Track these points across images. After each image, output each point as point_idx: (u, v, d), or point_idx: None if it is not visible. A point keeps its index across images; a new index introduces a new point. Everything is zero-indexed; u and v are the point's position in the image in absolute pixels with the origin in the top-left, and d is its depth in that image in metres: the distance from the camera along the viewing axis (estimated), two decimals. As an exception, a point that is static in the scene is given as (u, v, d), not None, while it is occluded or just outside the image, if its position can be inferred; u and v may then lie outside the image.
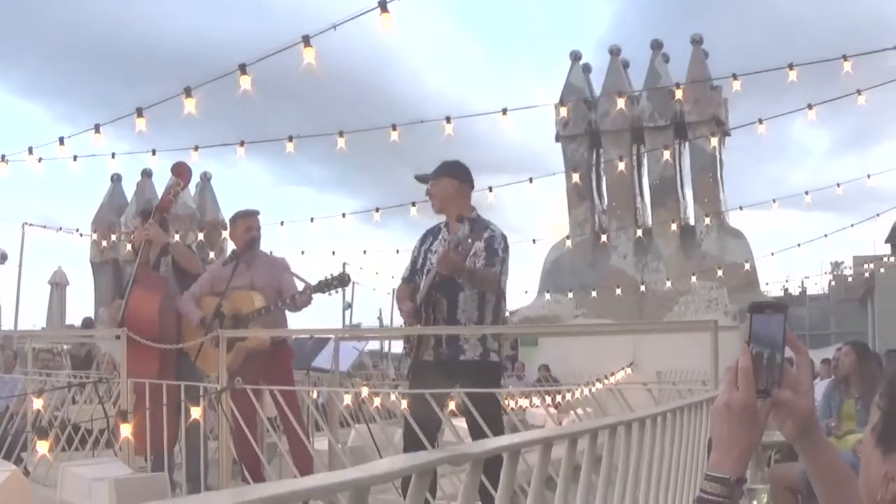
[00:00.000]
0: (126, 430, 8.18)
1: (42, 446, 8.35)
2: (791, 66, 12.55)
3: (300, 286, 9.06)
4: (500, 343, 7.90)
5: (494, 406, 7.79)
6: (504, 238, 7.96)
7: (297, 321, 9.80)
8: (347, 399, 9.74)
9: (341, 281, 9.01)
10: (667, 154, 25.33)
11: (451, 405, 8.34)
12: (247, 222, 9.32)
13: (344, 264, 28.02)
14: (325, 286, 8.99)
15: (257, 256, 9.33)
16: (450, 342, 7.66)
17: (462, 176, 8.03)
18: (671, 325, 14.71)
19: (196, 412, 8.15)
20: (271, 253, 10.15)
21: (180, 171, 9.89)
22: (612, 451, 3.82)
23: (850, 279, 53.52)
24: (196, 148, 13.36)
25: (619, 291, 27.01)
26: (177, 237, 13.46)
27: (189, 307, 9.20)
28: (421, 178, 8.15)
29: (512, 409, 12.61)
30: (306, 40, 8.56)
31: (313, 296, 8.91)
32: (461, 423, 8.29)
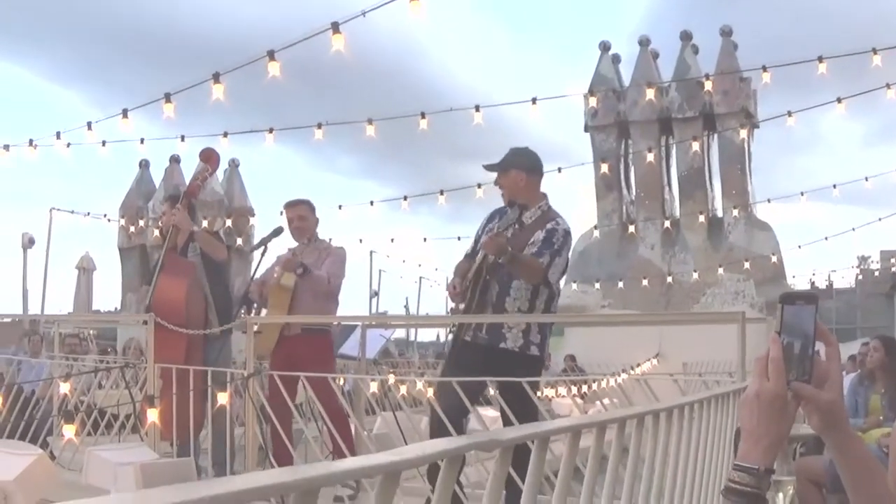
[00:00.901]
0: (152, 416, 8.20)
1: (68, 430, 8.38)
2: (821, 59, 12.51)
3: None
4: (543, 337, 7.66)
5: (529, 402, 7.37)
6: (566, 234, 7.67)
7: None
8: (374, 386, 9.75)
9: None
10: (695, 145, 25.27)
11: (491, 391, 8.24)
12: (287, 212, 9.34)
13: (371, 252, 28.10)
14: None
15: (313, 244, 9.31)
16: (491, 328, 7.47)
17: (530, 166, 7.84)
18: (698, 317, 14.65)
19: (223, 398, 8.16)
20: (330, 241, 10.12)
21: (208, 157, 9.90)
22: (639, 441, 3.80)
23: (876, 273, 53.24)
24: (225, 134, 13.40)
25: (645, 282, 27.02)
26: (204, 223, 13.48)
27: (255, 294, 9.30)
28: (490, 168, 8.00)
29: (538, 398, 12.61)
30: (335, 27, 8.56)
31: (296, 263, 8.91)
32: (486, 412, 8.28)
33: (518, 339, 7.48)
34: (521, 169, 7.75)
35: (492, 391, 7.87)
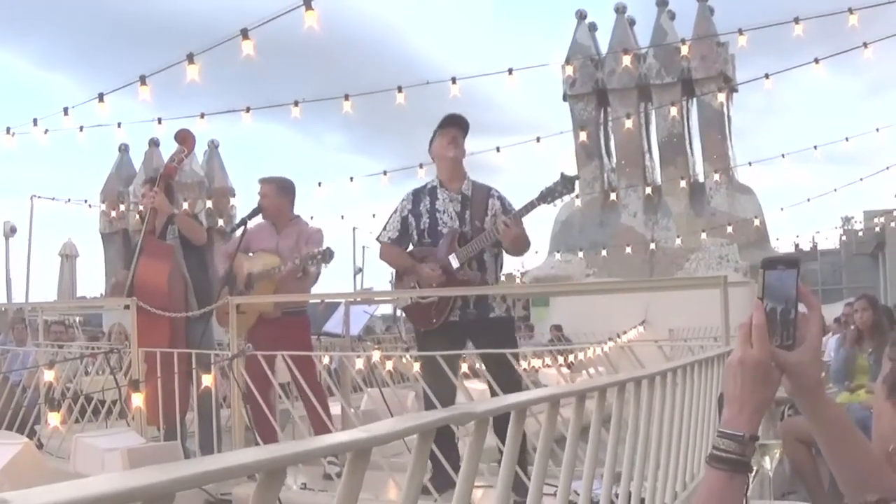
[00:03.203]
0: (138, 400, 8.19)
1: (53, 418, 8.36)
2: (797, 21, 12.48)
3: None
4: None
5: (513, 365, 7.78)
6: None
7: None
8: (359, 363, 9.74)
9: (325, 257, 8.94)
10: (674, 111, 25.27)
11: (465, 367, 8.36)
12: (260, 188, 9.31)
13: (354, 228, 28.06)
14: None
15: (291, 223, 9.27)
16: (478, 302, 7.67)
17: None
18: (681, 282, 14.64)
19: (207, 380, 8.15)
20: (312, 220, 10.11)
21: (184, 139, 9.85)
22: (621, 408, 3.80)
23: (860, 233, 53.36)
24: (202, 115, 13.35)
25: (629, 250, 27.04)
26: (185, 205, 13.43)
27: (219, 261, 9.27)
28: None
29: (524, 369, 12.62)
30: (307, 3, 8.51)
31: (312, 269, 8.89)
32: (474, 385, 8.31)
33: (502, 306, 7.85)
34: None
35: (478, 364, 7.97)
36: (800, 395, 2.03)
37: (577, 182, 7.73)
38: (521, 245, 7.76)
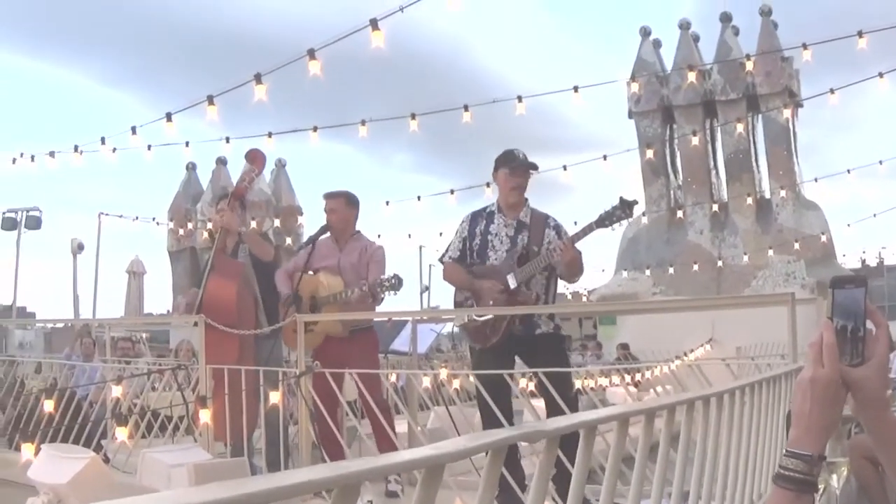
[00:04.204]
0: (205, 416, 8.24)
1: (121, 433, 8.44)
2: (860, 34, 12.37)
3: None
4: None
5: (569, 381, 8.04)
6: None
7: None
8: (426, 381, 9.75)
9: (394, 285, 8.94)
10: (740, 127, 25.09)
11: (526, 384, 8.43)
12: (326, 204, 9.35)
13: (421, 247, 28.12)
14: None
15: (353, 238, 9.33)
16: (524, 319, 7.80)
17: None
18: (748, 300, 14.54)
19: (275, 397, 8.19)
20: (379, 238, 10.18)
21: (254, 158, 9.93)
22: (689, 426, 3.79)
23: (928, 249, 52.69)
24: (270, 135, 13.42)
25: (696, 267, 26.90)
26: (253, 224, 13.50)
27: (281, 282, 9.31)
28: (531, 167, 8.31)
29: (591, 388, 12.58)
30: (374, 23, 8.55)
31: (382, 295, 8.94)
32: (537, 403, 8.31)
33: (549, 323, 7.98)
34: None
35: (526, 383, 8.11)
36: (864, 412, 2.01)
37: (636, 205, 7.76)
38: (575, 269, 7.92)
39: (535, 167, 8.29)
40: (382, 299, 9.05)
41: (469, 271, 8.07)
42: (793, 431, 1.95)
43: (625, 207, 7.58)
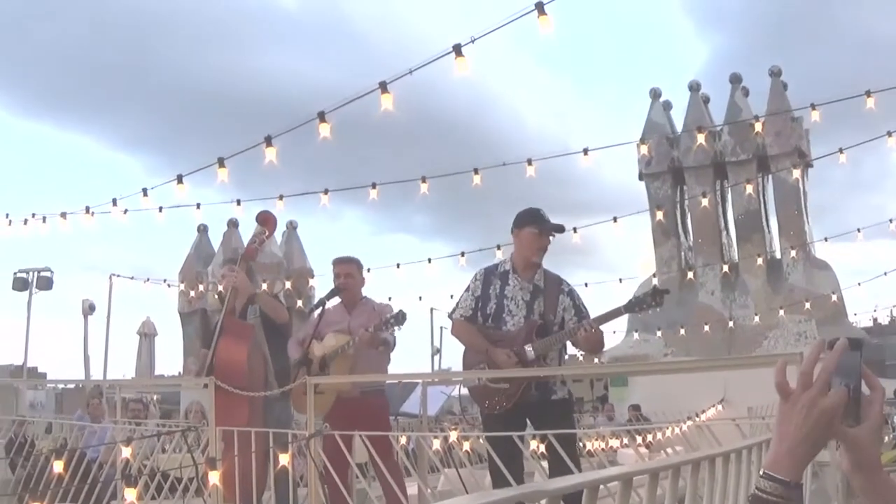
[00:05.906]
0: (215, 478, 8.23)
1: (130, 494, 8.42)
2: (868, 94, 12.42)
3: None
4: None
5: (573, 444, 8.12)
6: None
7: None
8: (437, 444, 9.73)
9: (398, 319, 8.98)
10: (750, 188, 25.15)
11: (535, 445, 8.42)
12: (335, 269, 9.44)
13: (432, 309, 28.09)
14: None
15: (361, 302, 9.41)
16: (540, 384, 7.77)
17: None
18: (759, 360, 14.49)
19: (284, 459, 8.18)
20: (390, 300, 10.25)
21: (265, 220, 9.96)
22: (695, 486, 3.79)
23: (939, 307, 52.51)
24: (281, 197, 13.47)
25: (707, 328, 26.85)
26: (264, 286, 13.51)
27: (293, 350, 9.34)
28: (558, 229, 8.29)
29: (602, 449, 12.54)
30: (383, 86, 8.61)
31: (389, 337, 8.98)
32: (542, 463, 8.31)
33: (563, 389, 7.95)
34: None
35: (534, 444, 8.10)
36: (857, 474, 2.01)
37: (667, 295, 7.79)
38: (597, 349, 7.91)
39: (562, 230, 8.30)
40: (394, 342, 9.09)
41: (484, 334, 8.00)
42: (773, 449, 1.94)
43: (656, 296, 7.55)
